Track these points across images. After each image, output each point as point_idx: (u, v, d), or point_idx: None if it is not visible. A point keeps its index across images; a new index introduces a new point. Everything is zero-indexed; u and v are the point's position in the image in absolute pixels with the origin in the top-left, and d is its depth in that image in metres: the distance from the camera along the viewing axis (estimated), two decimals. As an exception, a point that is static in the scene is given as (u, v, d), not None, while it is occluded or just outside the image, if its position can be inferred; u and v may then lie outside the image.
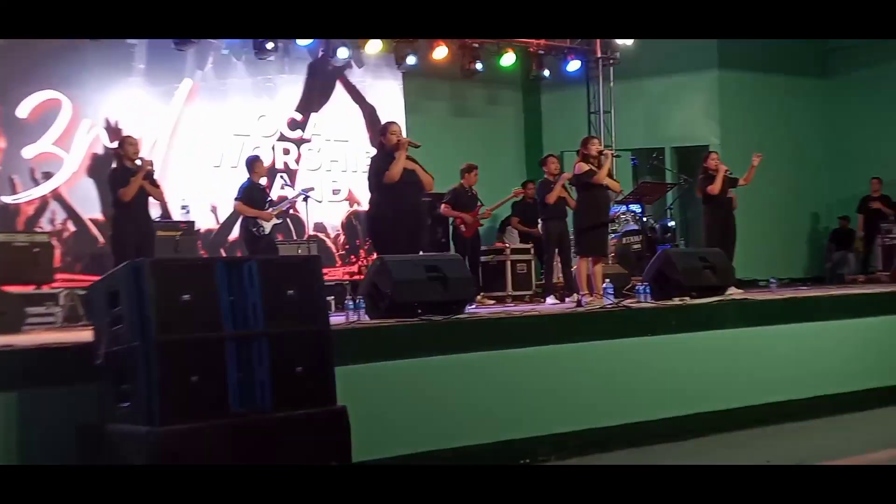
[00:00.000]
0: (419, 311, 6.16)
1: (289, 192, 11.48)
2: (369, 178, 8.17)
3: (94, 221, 11.07)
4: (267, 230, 9.58)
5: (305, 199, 10.26)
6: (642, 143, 14.63)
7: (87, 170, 11.07)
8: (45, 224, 10.70)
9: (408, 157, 7.97)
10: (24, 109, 10.69)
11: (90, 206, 11.08)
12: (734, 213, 10.25)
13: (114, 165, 8.93)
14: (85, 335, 5.10)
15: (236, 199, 9.72)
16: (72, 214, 10.94)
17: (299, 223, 12.01)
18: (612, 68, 14.54)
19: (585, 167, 8.89)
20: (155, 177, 8.84)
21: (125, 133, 10.52)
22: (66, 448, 4.46)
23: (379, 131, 8.18)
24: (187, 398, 4.09)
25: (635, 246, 11.59)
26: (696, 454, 6.02)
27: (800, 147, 15.08)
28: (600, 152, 8.97)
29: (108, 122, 11.27)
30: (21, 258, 9.18)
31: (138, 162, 8.59)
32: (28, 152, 10.71)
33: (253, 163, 9.90)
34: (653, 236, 11.86)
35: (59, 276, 10.00)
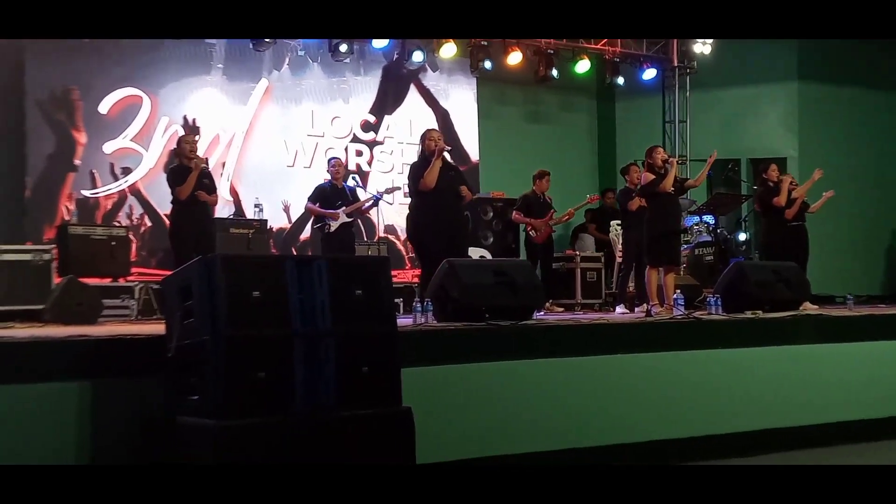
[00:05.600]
0: (486, 315, 6.14)
1: (360, 194, 11.53)
2: (408, 184, 8.31)
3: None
4: (333, 228, 9.66)
5: (376, 203, 10.31)
6: (718, 154, 14.38)
7: (164, 166, 11.25)
8: (122, 218, 10.92)
9: (449, 164, 8.07)
10: (105, 106, 10.94)
11: (166, 201, 11.21)
12: (805, 225, 9.97)
13: (172, 164, 9.08)
14: (158, 328, 5.18)
15: (308, 198, 9.87)
16: (148, 209, 11.15)
17: (370, 225, 12.09)
18: (688, 77, 14.37)
19: (651, 177, 8.86)
20: (215, 178, 8.91)
21: (212, 132, 10.81)
22: (136, 437, 4.54)
23: (420, 139, 8.31)
24: (254, 394, 4.13)
25: (708, 257, 11.44)
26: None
27: (881, 161, 14.73)
28: (665, 161, 8.92)
29: (185, 119, 11.47)
30: (99, 251, 9.38)
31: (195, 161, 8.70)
32: (108, 147, 10.95)
33: (332, 164, 10.06)
34: (726, 248, 11.69)
35: (134, 269, 10.20)
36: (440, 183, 7.94)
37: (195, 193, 8.56)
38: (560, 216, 11.21)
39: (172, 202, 8.77)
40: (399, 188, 11.24)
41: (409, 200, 12.77)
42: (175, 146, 8.94)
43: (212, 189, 8.85)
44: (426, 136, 8.18)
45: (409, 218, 8.48)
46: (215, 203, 9.16)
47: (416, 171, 8.09)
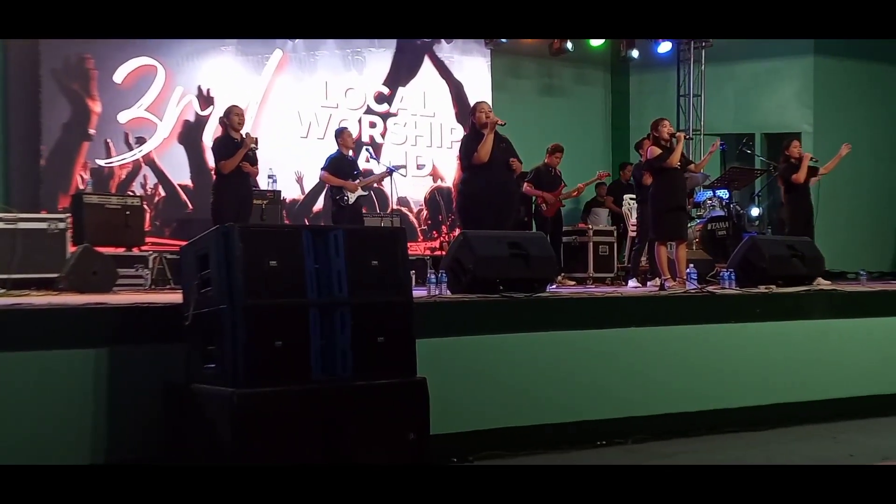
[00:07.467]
0: (500, 287, 6.15)
1: (374, 166, 11.55)
2: (460, 158, 8.26)
3: (184, 187, 11.30)
4: (351, 200, 9.66)
5: (391, 174, 10.31)
6: (732, 129, 14.35)
7: (178, 136, 11.30)
8: (136, 188, 10.96)
9: (500, 136, 8.02)
10: (120, 75, 10.95)
11: (180, 171, 11.31)
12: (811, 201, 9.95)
13: (218, 134, 9.07)
14: (173, 297, 5.21)
15: (322, 168, 9.82)
16: (162, 179, 11.18)
17: (383, 197, 12.10)
18: (703, 51, 14.30)
19: (658, 151, 8.74)
20: (257, 153, 8.89)
21: (226, 102, 10.70)
22: (155, 404, 4.58)
23: (469, 111, 8.24)
24: (271, 362, 4.14)
25: (721, 232, 11.38)
26: (774, 445, 5.93)
27: (896, 137, 14.66)
28: (672, 134, 8.82)
29: (199, 90, 11.48)
30: (113, 220, 9.41)
31: (243, 133, 8.68)
32: (123, 117, 10.97)
33: (340, 134, 10.01)
34: (739, 223, 11.65)
35: (148, 239, 10.24)
36: (493, 156, 7.93)
37: (238, 165, 8.58)
38: (570, 191, 11.20)
39: (215, 172, 8.75)
40: (404, 166, 11.19)
41: (421, 172, 12.96)
42: (223, 117, 8.86)
43: (254, 161, 8.83)
44: (477, 109, 8.14)
45: (459, 191, 8.41)
46: (257, 174, 9.20)
47: (469, 145, 8.05)
